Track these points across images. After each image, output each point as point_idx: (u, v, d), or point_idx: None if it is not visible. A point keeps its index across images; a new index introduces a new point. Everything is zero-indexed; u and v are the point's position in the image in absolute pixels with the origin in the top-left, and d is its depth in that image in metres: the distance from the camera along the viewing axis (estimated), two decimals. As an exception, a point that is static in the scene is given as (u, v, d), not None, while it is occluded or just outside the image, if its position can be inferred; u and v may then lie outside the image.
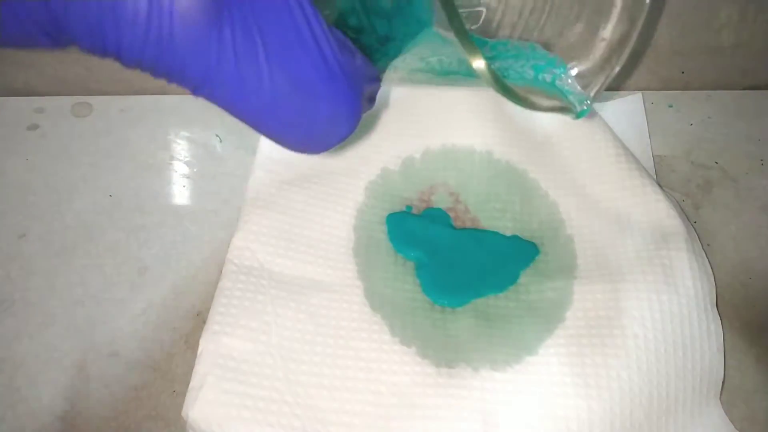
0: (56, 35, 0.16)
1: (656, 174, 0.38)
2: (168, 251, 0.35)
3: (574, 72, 0.28)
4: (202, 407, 0.27)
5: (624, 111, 0.40)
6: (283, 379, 0.29)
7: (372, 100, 0.22)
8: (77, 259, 0.35)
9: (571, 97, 0.27)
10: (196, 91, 0.18)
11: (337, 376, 0.29)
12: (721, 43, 0.42)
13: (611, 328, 0.30)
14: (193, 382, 0.28)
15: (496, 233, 0.35)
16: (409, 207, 0.36)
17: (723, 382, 0.30)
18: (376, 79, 0.23)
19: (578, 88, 0.27)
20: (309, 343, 0.30)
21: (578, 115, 0.26)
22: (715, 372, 0.30)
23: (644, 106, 0.41)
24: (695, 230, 0.35)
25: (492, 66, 0.21)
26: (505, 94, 0.22)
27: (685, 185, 0.39)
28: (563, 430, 0.27)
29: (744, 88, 0.44)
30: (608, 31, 0.30)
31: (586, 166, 0.36)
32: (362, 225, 0.34)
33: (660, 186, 0.35)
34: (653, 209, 0.34)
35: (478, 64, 0.20)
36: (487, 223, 0.35)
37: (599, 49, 0.30)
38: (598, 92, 0.29)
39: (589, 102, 0.27)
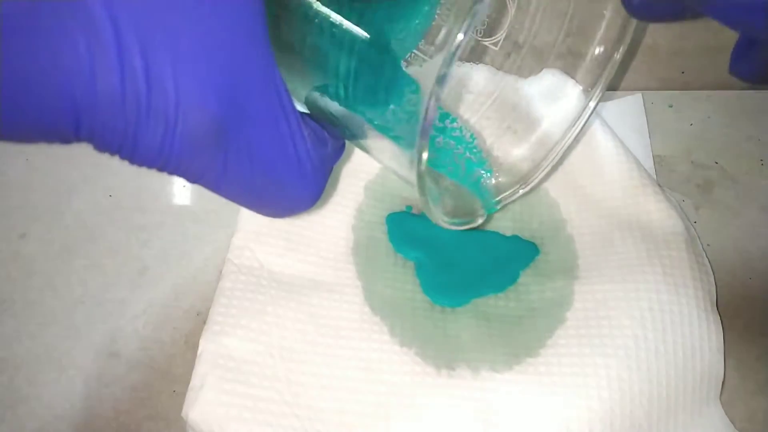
0: (68, 139, 0.18)
1: (656, 174, 0.38)
2: (168, 251, 0.35)
3: (492, 181, 0.32)
4: (202, 407, 0.27)
5: (624, 111, 0.40)
6: (283, 379, 0.29)
7: (337, 157, 0.26)
8: (77, 259, 0.35)
9: (483, 201, 0.30)
10: (192, 182, 0.21)
11: (337, 376, 0.29)
12: (721, 43, 0.42)
13: (611, 328, 0.30)
14: (193, 382, 0.28)
15: (496, 233, 0.35)
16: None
17: (723, 382, 0.30)
18: (341, 147, 0.26)
19: (495, 196, 0.31)
20: (309, 343, 0.30)
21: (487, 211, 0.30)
22: (715, 372, 0.30)
23: (644, 106, 0.41)
24: (695, 230, 0.35)
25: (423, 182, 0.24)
26: (424, 206, 0.25)
27: (685, 185, 0.39)
28: (563, 430, 0.27)
29: (744, 88, 0.44)
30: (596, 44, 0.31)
31: (586, 166, 0.36)
32: (362, 225, 0.34)
33: (660, 186, 0.35)
34: (653, 209, 0.34)
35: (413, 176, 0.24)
36: (487, 223, 0.35)
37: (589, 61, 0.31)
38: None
39: (496, 209, 0.31)
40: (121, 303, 0.34)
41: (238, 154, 0.21)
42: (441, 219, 0.27)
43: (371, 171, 0.36)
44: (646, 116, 0.40)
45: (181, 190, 0.38)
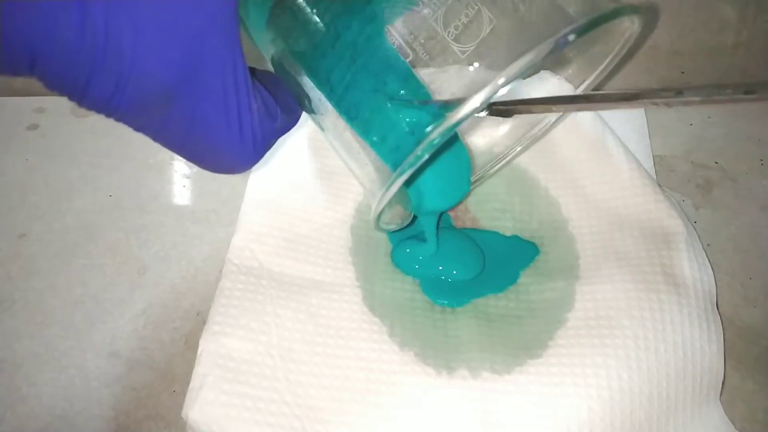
0: (20, 74, 0.19)
1: (656, 174, 0.38)
2: (168, 251, 0.35)
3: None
4: (202, 408, 0.27)
5: (624, 111, 0.40)
6: (283, 379, 0.29)
7: (287, 128, 0.27)
8: (77, 259, 0.35)
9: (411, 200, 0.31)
10: (135, 130, 0.22)
11: (337, 376, 0.29)
12: (721, 43, 0.42)
13: (611, 328, 0.30)
14: (193, 383, 0.28)
15: (496, 233, 0.35)
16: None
17: (723, 382, 0.30)
18: (292, 125, 0.27)
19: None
20: (309, 343, 0.30)
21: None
22: (715, 372, 0.30)
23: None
24: (695, 230, 0.35)
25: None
26: (375, 221, 0.27)
27: (685, 185, 0.39)
28: (563, 430, 0.27)
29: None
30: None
31: (586, 166, 0.36)
32: (361, 225, 0.34)
33: (660, 186, 0.35)
34: (653, 209, 0.34)
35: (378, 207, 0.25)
36: (487, 223, 0.35)
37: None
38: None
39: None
40: (121, 303, 0.34)
41: (181, 117, 0.22)
42: (382, 226, 0.29)
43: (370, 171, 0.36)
44: (646, 116, 0.40)
45: (181, 190, 0.38)
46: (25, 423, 0.30)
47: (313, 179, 0.35)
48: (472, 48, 0.24)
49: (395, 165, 0.23)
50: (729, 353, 0.31)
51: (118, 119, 0.21)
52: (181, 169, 0.39)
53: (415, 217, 0.33)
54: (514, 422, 0.28)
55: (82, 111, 0.41)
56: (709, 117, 0.41)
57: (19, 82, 0.42)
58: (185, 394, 0.28)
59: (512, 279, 0.33)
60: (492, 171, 0.35)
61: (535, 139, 0.35)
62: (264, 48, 0.27)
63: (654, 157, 0.39)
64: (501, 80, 0.20)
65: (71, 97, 0.20)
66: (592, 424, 0.27)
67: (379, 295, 0.32)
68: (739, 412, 0.30)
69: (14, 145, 0.40)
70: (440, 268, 0.33)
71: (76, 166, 0.39)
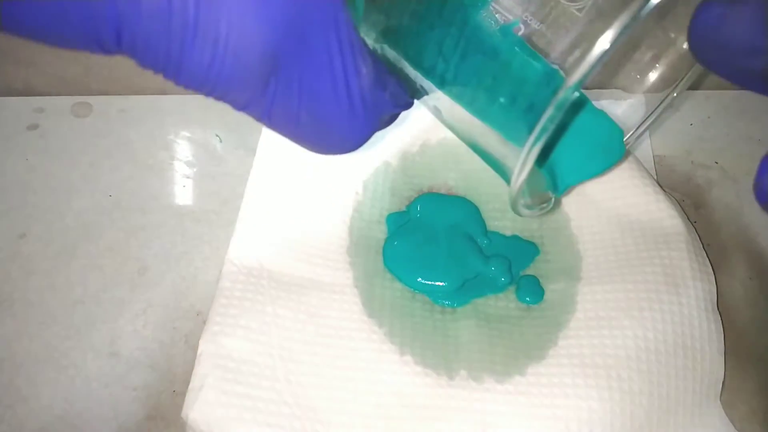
0: (109, 50, 0.17)
1: (656, 174, 0.38)
2: (168, 251, 0.35)
3: None
4: (202, 408, 0.27)
5: (624, 111, 0.40)
6: (283, 379, 0.29)
7: (394, 117, 0.26)
8: (77, 259, 0.35)
9: (552, 183, 0.29)
10: (239, 110, 0.21)
11: (336, 376, 0.29)
12: (721, 43, 0.42)
13: (611, 328, 0.30)
14: (193, 383, 0.28)
15: (496, 233, 0.35)
16: (408, 207, 0.36)
17: (723, 382, 0.30)
18: (405, 105, 0.25)
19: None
20: (309, 343, 0.30)
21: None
22: (715, 372, 0.30)
23: (645, 106, 0.41)
24: (695, 230, 0.35)
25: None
26: (514, 203, 0.24)
27: (685, 185, 0.39)
28: (563, 430, 0.27)
29: (744, 89, 0.44)
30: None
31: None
32: (361, 225, 0.34)
33: (660, 186, 0.35)
34: (653, 209, 0.34)
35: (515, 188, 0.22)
36: (487, 223, 0.35)
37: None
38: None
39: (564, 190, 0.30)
40: (121, 303, 0.34)
41: (288, 85, 0.20)
42: (524, 211, 0.26)
43: (369, 170, 0.36)
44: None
45: (181, 190, 0.38)
46: (25, 423, 0.30)
47: (313, 179, 0.35)
48: (590, 2, 0.23)
49: (531, 127, 0.20)
50: (729, 353, 0.31)
51: (219, 97, 0.19)
52: (181, 169, 0.39)
53: (557, 200, 0.30)
54: (514, 423, 0.28)
55: (82, 111, 0.41)
56: (708, 117, 0.41)
57: (19, 82, 0.42)
58: (185, 394, 0.28)
59: (512, 279, 0.33)
60: (642, 130, 0.33)
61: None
62: (363, 33, 0.25)
63: (654, 157, 0.39)
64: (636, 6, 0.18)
65: (166, 74, 0.18)
66: (592, 424, 0.27)
67: (379, 296, 0.32)
68: (739, 412, 0.30)
69: (14, 145, 0.40)
70: (421, 280, 0.33)
71: (76, 166, 0.39)
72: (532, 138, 0.20)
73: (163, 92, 0.43)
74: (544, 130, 0.20)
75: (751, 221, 0.37)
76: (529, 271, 0.34)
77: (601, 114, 0.29)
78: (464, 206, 0.36)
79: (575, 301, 0.31)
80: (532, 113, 0.21)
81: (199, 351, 0.29)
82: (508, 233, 0.35)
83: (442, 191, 0.36)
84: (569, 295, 0.32)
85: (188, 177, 0.39)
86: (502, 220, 0.35)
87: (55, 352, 0.32)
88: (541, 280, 0.33)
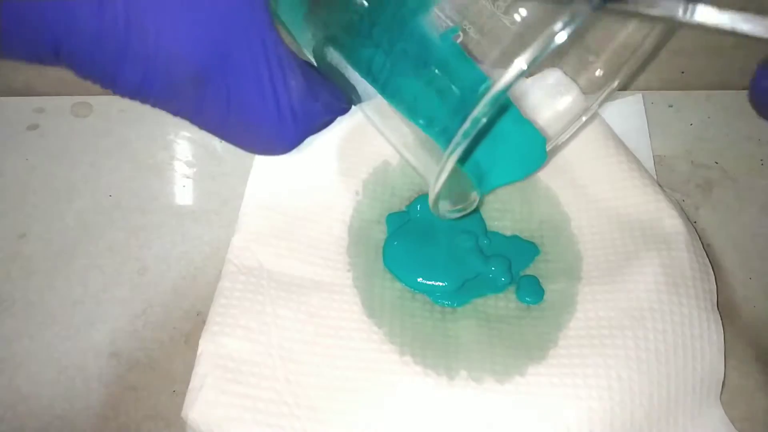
0: (51, 63, 0.19)
1: (656, 174, 0.38)
2: (168, 251, 0.35)
3: None
4: (202, 408, 0.27)
5: (624, 111, 0.40)
6: (282, 379, 0.29)
7: (329, 122, 0.27)
8: (77, 259, 0.35)
9: (476, 182, 0.30)
10: (173, 114, 0.22)
11: (336, 376, 0.29)
12: (721, 43, 0.42)
13: (611, 328, 0.30)
14: (193, 383, 0.28)
15: (495, 233, 0.35)
16: (408, 207, 0.36)
17: (723, 382, 0.30)
18: (340, 111, 0.27)
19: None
20: (309, 343, 0.30)
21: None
22: (715, 372, 0.30)
23: (644, 106, 0.41)
24: (695, 230, 0.35)
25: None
26: (433, 204, 0.25)
27: (685, 185, 0.39)
28: (563, 430, 0.27)
29: (744, 88, 0.43)
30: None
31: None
32: (361, 225, 0.34)
33: (660, 186, 0.35)
34: (653, 209, 0.34)
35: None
36: (487, 223, 0.35)
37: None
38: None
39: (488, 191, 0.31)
40: (121, 303, 0.34)
41: (215, 98, 0.22)
42: (445, 211, 0.27)
43: (368, 169, 0.36)
44: (646, 116, 0.40)
45: (181, 190, 0.38)
46: (25, 423, 0.30)
47: (313, 179, 0.35)
48: (523, 17, 0.24)
49: (445, 146, 0.22)
50: (729, 353, 0.31)
51: (153, 105, 0.21)
52: (181, 169, 0.39)
53: (480, 201, 0.31)
54: (515, 423, 0.28)
55: (83, 111, 0.41)
56: (709, 117, 0.41)
57: (19, 82, 0.42)
58: (185, 394, 0.28)
59: (512, 279, 0.33)
60: (564, 138, 0.34)
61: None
62: (305, 43, 0.26)
63: (654, 157, 0.39)
64: (549, 36, 0.19)
65: (103, 85, 0.20)
66: (592, 424, 0.27)
67: (379, 296, 0.32)
68: (739, 412, 0.30)
69: (14, 145, 0.40)
70: (421, 280, 0.33)
71: (76, 166, 0.39)
72: (450, 148, 0.21)
73: (163, 92, 0.43)
74: (460, 141, 0.21)
75: (751, 221, 0.37)
76: (529, 271, 0.34)
77: (525, 122, 0.30)
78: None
79: (575, 301, 0.31)
80: (447, 132, 0.23)
81: (199, 351, 0.29)
82: (508, 233, 0.35)
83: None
84: (569, 295, 0.32)
85: (188, 177, 0.39)
86: (502, 220, 0.35)
87: (55, 352, 0.32)
88: (541, 280, 0.33)
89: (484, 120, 0.20)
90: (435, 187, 0.24)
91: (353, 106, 0.29)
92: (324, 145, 0.36)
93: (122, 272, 0.35)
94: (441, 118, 0.24)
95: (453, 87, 0.24)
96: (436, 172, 0.23)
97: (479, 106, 0.20)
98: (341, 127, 0.37)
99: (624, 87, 0.39)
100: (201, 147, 0.40)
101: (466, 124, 0.21)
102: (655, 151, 0.39)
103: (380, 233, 0.34)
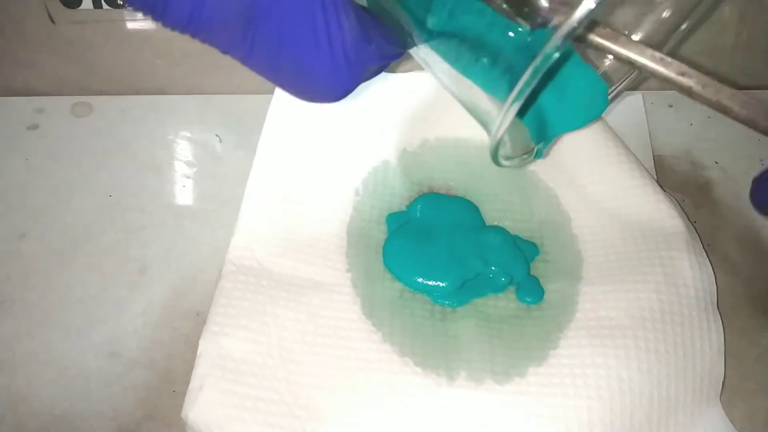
0: None
1: (656, 174, 0.38)
2: (168, 251, 0.35)
3: None
4: (202, 408, 0.27)
5: (624, 111, 0.40)
6: (282, 379, 0.29)
7: (382, 68, 0.26)
8: (77, 259, 0.35)
9: (535, 135, 0.29)
10: (222, 52, 0.22)
11: (336, 376, 0.29)
12: (721, 43, 0.42)
13: (611, 328, 0.30)
14: (193, 383, 0.28)
15: (498, 229, 0.35)
16: (408, 207, 0.36)
17: (723, 382, 0.30)
18: (394, 56, 0.26)
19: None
20: (309, 343, 0.30)
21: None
22: (715, 372, 0.30)
23: (644, 106, 0.41)
24: (695, 230, 0.35)
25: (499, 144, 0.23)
26: (494, 152, 0.25)
27: (685, 185, 0.39)
28: (563, 430, 0.27)
29: (744, 88, 0.44)
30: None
31: (587, 166, 0.36)
32: (361, 225, 0.34)
33: (660, 186, 0.35)
34: (653, 209, 0.34)
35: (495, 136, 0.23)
36: (487, 223, 0.35)
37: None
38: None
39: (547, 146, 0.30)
40: (121, 303, 0.34)
41: (266, 36, 0.21)
42: (503, 161, 0.26)
43: (368, 169, 0.36)
44: (646, 116, 0.40)
45: (181, 190, 0.38)
46: (25, 423, 0.30)
47: (312, 180, 0.35)
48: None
49: (510, 87, 0.21)
50: (729, 353, 0.31)
51: (203, 40, 0.21)
52: (181, 169, 0.39)
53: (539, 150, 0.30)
54: (515, 424, 0.28)
55: (82, 111, 0.42)
56: (709, 117, 0.41)
57: (19, 82, 0.42)
58: (185, 394, 0.28)
59: (512, 279, 0.33)
60: (626, 84, 0.33)
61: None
62: None
63: (654, 157, 0.39)
64: None
65: (154, 17, 0.20)
66: (592, 425, 0.27)
67: (379, 296, 0.32)
68: (739, 412, 0.30)
69: (14, 145, 0.40)
70: (421, 280, 0.32)
71: (76, 166, 0.39)
72: (515, 91, 0.20)
73: (163, 92, 0.43)
74: (527, 83, 0.20)
75: (751, 221, 0.37)
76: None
77: (587, 67, 0.29)
78: (465, 206, 0.36)
79: (575, 302, 0.31)
80: (513, 72, 0.22)
81: (199, 351, 0.29)
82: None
83: (442, 191, 0.36)
84: (569, 295, 0.32)
85: (188, 177, 0.39)
86: (502, 221, 0.35)
87: (55, 352, 0.32)
88: (541, 280, 0.33)
89: (557, 55, 0.19)
90: (498, 132, 0.22)
91: (408, 50, 0.28)
92: (324, 146, 0.36)
93: (122, 272, 0.35)
94: (506, 55, 0.23)
95: (520, 23, 0.23)
96: (497, 116, 0.22)
97: (551, 41, 0.19)
98: (341, 127, 0.37)
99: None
100: (201, 147, 0.40)
101: (537, 60, 0.19)
102: (655, 151, 0.39)
103: (380, 233, 0.34)
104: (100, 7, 0.39)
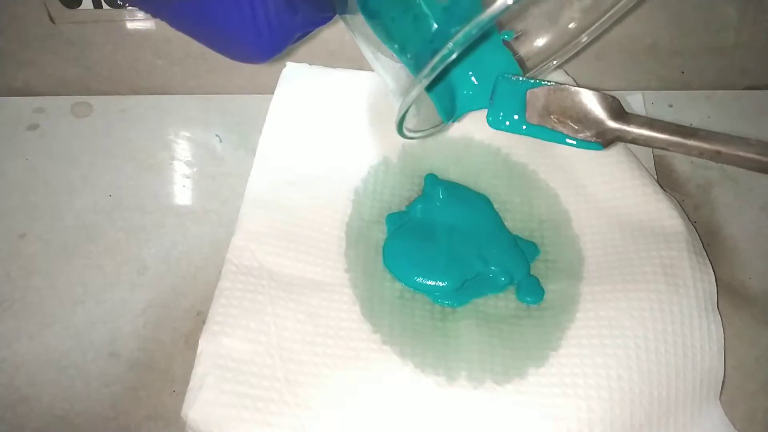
0: None
1: (656, 174, 0.38)
2: (168, 251, 0.35)
3: None
4: (202, 408, 0.27)
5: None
6: (282, 379, 0.29)
7: (307, 32, 0.28)
8: (77, 259, 0.35)
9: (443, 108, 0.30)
10: (154, 16, 0.25)
11: (336, 377, 0.29)
12: (721, 43, 0.42)
13: (611, 328, 0.30)
14: (193, 383, 0.28)
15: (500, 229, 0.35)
16: (408, 207, 0.36)
17: (723, 382, 0.30)
18: (321, 21, 0.28)
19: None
20: (308, 343, 0.30)
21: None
22: (715, 372, 0.30)
23: (644, 106, 0.41)
24: (695, 230, 0.35)
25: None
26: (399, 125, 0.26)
27: (685, 185, 0.39)
28: (563, 430, 0.27)
29: (744, 88, 0.44)
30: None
31: (587, 166, 0.36)
32: (360, 225, 0.34)
33: (660, 186, 0.35)
34: (653, 209, 0.34)
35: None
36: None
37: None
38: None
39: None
40: (121, 303, 0.34)
41: (191, 5, 0.23)
42: (408, 133, 0.28)
43: (368, 169, 0.36)
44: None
45: (181, 190, 0.38)
46: (25, 423, 0.30)
47: (312, 179, 0.35)
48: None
49: (415, 73, 0.22)
50: (729, 353, 0.31)
51: (132, 3, 0.23)
52: (181, 169, 0.39)
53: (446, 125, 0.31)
54: (515, 424, 0.28)
55: (82, 111, 0.42)
56: (709, 117, 0.41)
57: (19, 81, 0.42)
58: (185, 394, 0.28)
59: (512, 279, 0.33)
60: (546, 67, 0.34)
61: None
62: None
63: (654, 157, 0.39)
64: None
65: None
66: (592, 425, 0.27)
67: (378, 296, 0.32)
68: (739, 412, 0.30)
69: (14, 145, 0.40)
70: (421, 280, 0.32)
71: (76, 166, 0.39)
72: (418, 78, 0.21)
73: (163, 92, 0.43)
74: (427, 74, 0.21)
75: (751, 221, 0.37)
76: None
77: (504, 50, 0.30)
78: (477, 199, 0.36)
79: (576, 302, 0.31)
80: (429, 51, 0.23)
81: (198, 351, 0.29)
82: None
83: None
84: (569, 295, 0.32)
85: (188, 177, 0.39)
86: (502, 221, 0.35)
87: (55, 352, 0.32)
88: (541, 280, 0.33)
89: (453, 56, 0.20)
90: (399, 113, 0.24)
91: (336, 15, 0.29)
92: (324, 145, 0.36)
93: (122, 272, 0.35)
94: (414, 46, 0.24)
95: (431, 16, 0.24)
96: (403, 96, 0.23)
97: (452, 41, 0.20)
98: (341, 126, 0.37)
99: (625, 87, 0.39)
100: (201, 147, 0.40)
101: (435, 59, 0.20)
102: (655, 151, 0.39)
103: (380, 233, 0.34)
104: (100, 7, 0.39)
